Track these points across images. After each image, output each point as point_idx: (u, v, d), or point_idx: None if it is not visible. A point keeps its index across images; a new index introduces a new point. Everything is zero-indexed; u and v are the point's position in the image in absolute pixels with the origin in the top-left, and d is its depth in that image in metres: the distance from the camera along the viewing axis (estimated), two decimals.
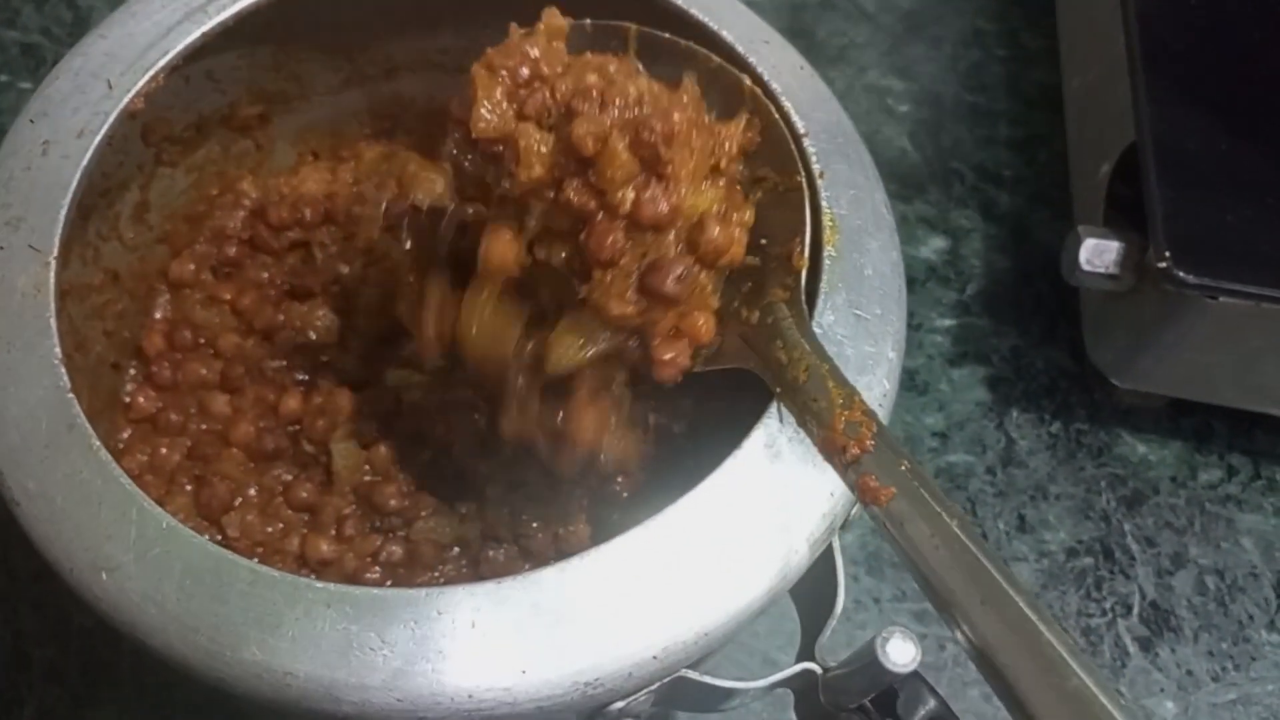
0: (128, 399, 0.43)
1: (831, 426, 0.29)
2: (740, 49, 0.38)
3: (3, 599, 0.45)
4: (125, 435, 0.43)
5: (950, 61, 0.64)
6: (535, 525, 0.42)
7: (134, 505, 0.29)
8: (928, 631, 0.47)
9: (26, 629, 0.45)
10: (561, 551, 0.43)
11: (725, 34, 0.38)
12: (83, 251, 0.39)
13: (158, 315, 0.44)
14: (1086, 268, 0.47)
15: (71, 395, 0.30)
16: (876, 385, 0.33)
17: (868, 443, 0.29)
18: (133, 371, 0.44)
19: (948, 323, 0.55)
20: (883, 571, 0.49)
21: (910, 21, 0.65)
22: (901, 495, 0.28)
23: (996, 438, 0.53)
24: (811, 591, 0.34)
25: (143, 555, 0.28)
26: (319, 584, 0.28)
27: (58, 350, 0.30)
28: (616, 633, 0.29)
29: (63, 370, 0.30)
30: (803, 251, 0.32)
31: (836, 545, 0.33)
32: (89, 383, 0.40)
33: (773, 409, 0.32)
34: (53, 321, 0.30)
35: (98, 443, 0.29)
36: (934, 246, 0.57)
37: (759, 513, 0.31)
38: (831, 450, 0.30)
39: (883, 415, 0.33)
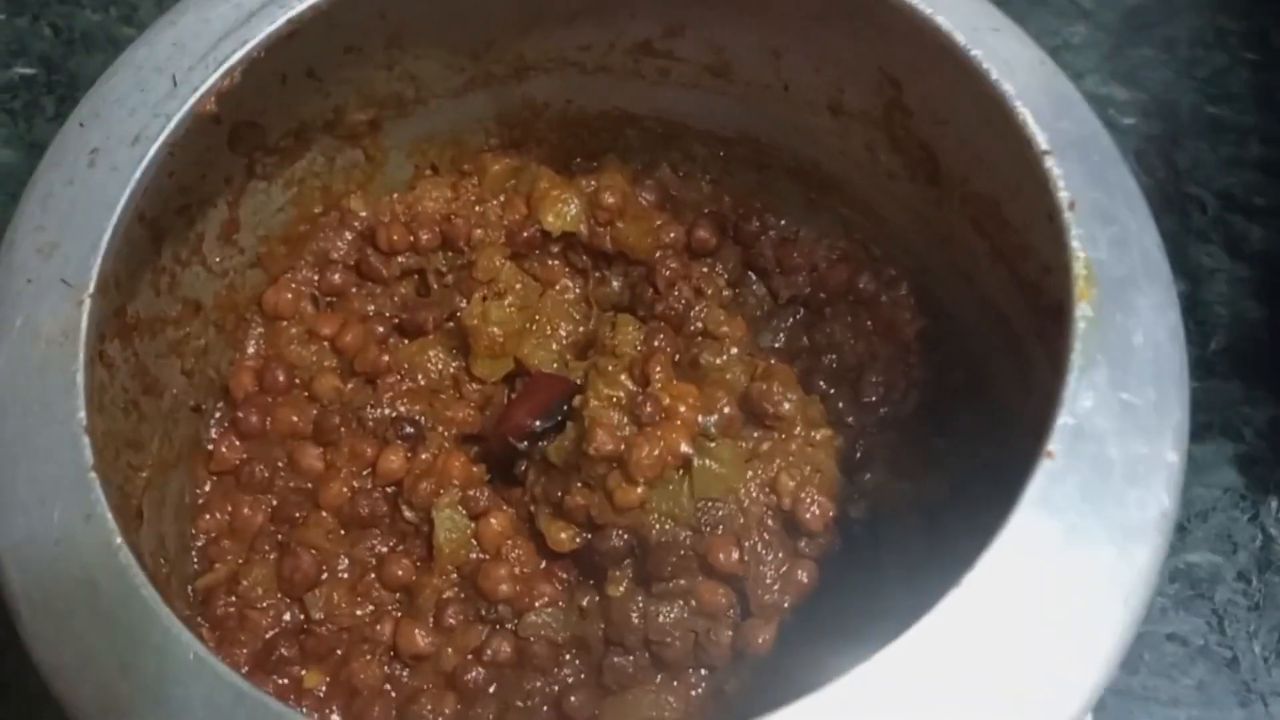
0: (210, 446, 0.38)
1: None
2: (960, 38, 0.30)
3: None
4: (205, 489, 0.38)
5: (1186, 66, 0.54)
6: (673, 629, 0.34)
7: (158, 627, 0.22)
8: None
9: None
10: (701, 663, 0.35)
11: (940, 19, 0.30)
12: (155, 279, 0.33)
13: (248, 351, 0.40)
14: None
15: (94, 475, 0.24)
16: (1152, 501, 0.24)
17: None
18: (217, 415, 0.39)
19: None
20: (1102, 701, 0.39)
21: (1136, 20, 0.56)
22: None
23: (1251, 533, 0.43)
24: None
25: (162, 696, 0.21)
26: None
27: (82, 415, 0.24)
28: None
29: (86, 442, 0.24)
30: None
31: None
32: (160, 430, 0.35)
33: (1009, 531, 0.23)
34: (79, 377, 0.25)
35: (119, 540, 0.23)
36: None
37: (987, 685, 0.22)
38: None
39: (1161, 546, 0.24)
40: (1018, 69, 0.29)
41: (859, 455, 0.38)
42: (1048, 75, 0.29)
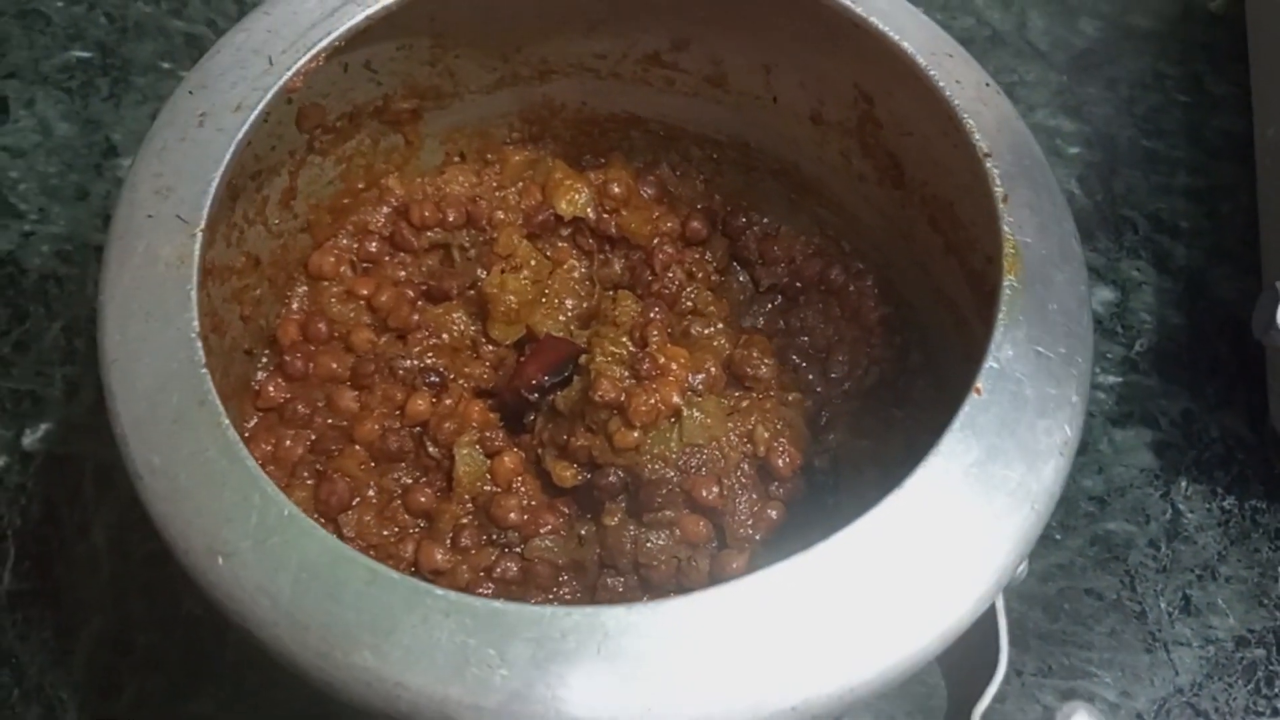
0: (257, 386, 0.42)
1: None
2: (921, 61, 0.36)
3: (114, 582, 0.45)
4: (251, 423, 0.42)
5: (1126, 104, 0.60)
6: (659, 555, 0.39)
7: (257, 490, 0.27)
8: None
9: (133, 614, 0.44)
10: (683, 586, 0.40)
11: (905, 44, 0.36)
12: (228, 232, 0.38)
13: (294, 305, 0.44)
14: None
15: (205, 371, 0.29)
16: (1057, 430, 0.30)
17: None
18: (264, 359, 0.43)
19: (1113, 379, 0.51)
20: (1026, 643, 0.45)
21: (1084, 61, 0.61)
22: None
23: (1162, 508, 0.48)
24: (964, 654, 0.31)
25: (261, 543, 0.27)
26: (439, 591, 0.26)
27: (195, 324, 0.29)
28: (753, 675, 0.26)
29: (199, 345, 0.29)
30: None
31: (1000, 604, 0.30)
32: (221, 365, 0.39)
33: (940, 449, 0.29)
34: (193, 295, 0.30)
35: (226, 422, 0.28)
36: (1101, 298, 0.53)
37: (920, 560, 0.28)
38: None
39: (1063, 465, 0.29)
40: (967, 87, 0.35)
41: (824, 420, 0.43)
42: (990, 94, 0.35)
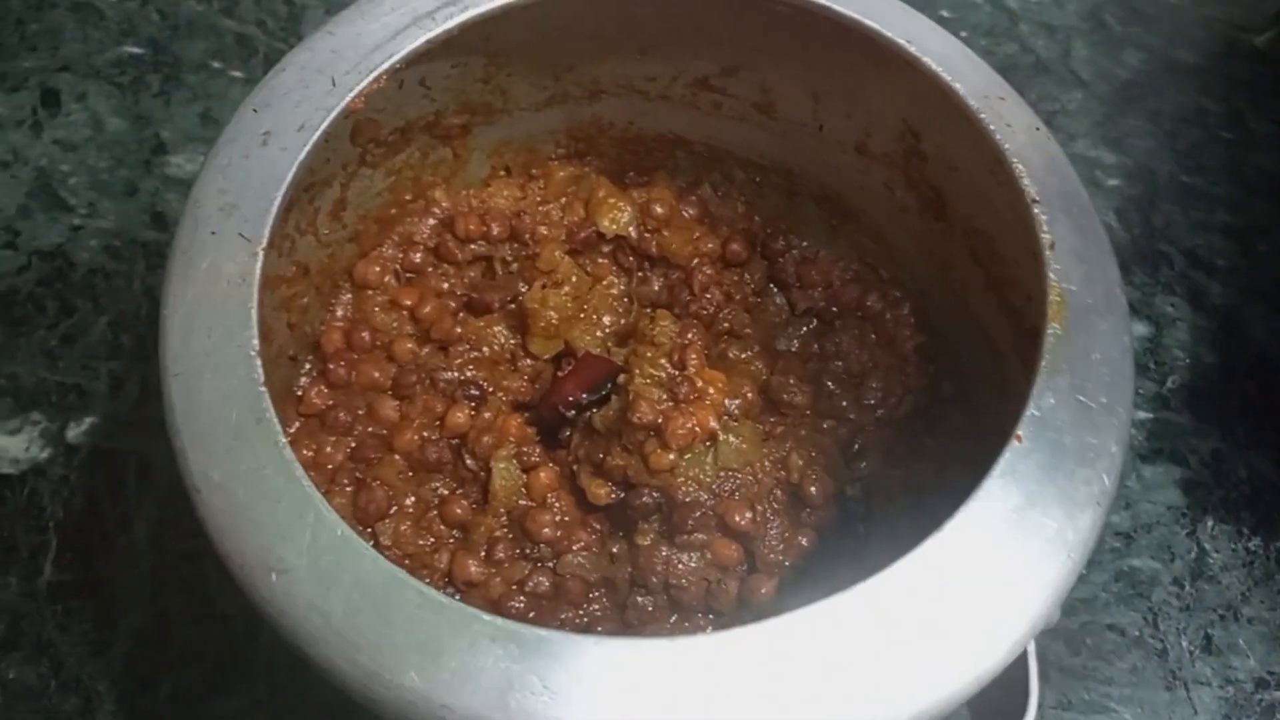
0: (300, 392, 0.43)
1: None
2: (973, 103, 0.36)
3: (153, 577, 0.46)
4: (294, 428, 0.43)
5: (1168, 138, 0.60)
6: (690, 576, 0.40)
7: (312, 509, 0.28)
8: None
9: (171, 609, 0.45)
10: (711, 607, 0.41)
11: (958, 86, 0.36)
12: (280, 243, 0.39)
13: (339, 313, 0.44)
14: None
15: (263, 389, 0.29)
16: (1095, 480, 0.30)
17: None
18: (308, 366, 0.44)
19: (1143, 415, 0.51)
20: (1048, 675, 0.45)
21: (1127, 92, 0.61)
22: None
23: (1187, 546, 0.49)
24: (994, 695, 0.31)
25: (315, 562, 0.27)
26: (486, 616, 0.27)
27: (255, 342, 0.30)
28: (790, 714, 0.27)
29: (258, 363, 0.30)
30: None
31: (1032, 649, 0.30)
32: (266, 372, 0.40)
33: (980, 494, 0.29)
34: (254, 312, 0.30)
35: (283, 440, 0.29)
36: (1136, 332, 0.54)
37: (957, 604, 0.28)
38: None
39: (1100, 516, 0.30)
40: (1017, 131, 0.35)
41: (857, 447, 0.44)
42: (1041, 139, 0.35)
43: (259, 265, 0.31)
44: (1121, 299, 0.33)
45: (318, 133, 0.33)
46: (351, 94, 0.34)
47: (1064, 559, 0.29)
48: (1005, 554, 0.29)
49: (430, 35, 0.35)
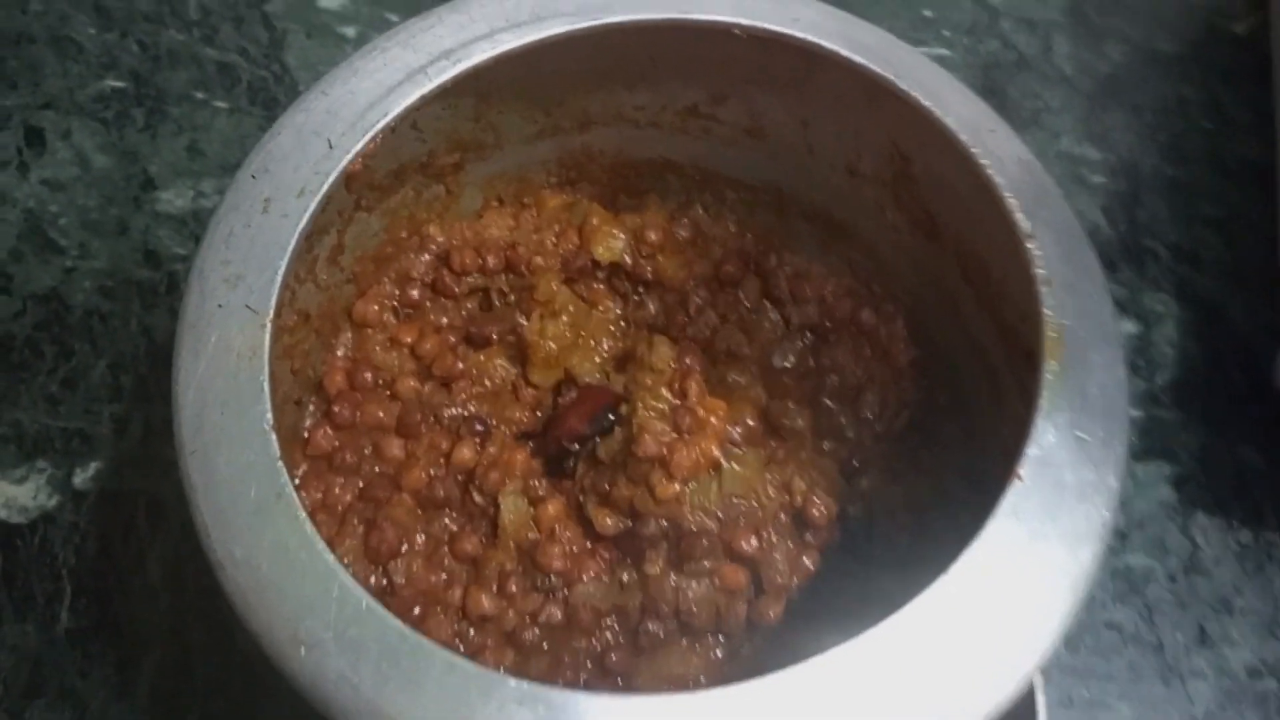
0: (306, 434, 0.43)
1: None
2: (963, 137, 0.36)
3: (172, 613, 0.46)
4: (301, 470, 0.43)
5: (1150, 130, 0.60)
6: (699, 602, 0.41)
7: (336, 581, 0.29)
8: None
9: (193, 643, 0.46)
10: (720, 628, 0.42)
11: (948, 120, 0.37)
12: (284, 302, 0.39)
13: (340, 353, 0.45)
14: None
15: (281, 464, 0.30)
16: (1095, 515, 0.31)
17: None
18: (311, 408, 0.44)
19: (1134, 414, 0.52)
20: (1049, 675, 0.47)
21: (1109, 86, 0.62)
22: None
23: (1180, 541, 0.50)
24: None
25: (341, 634, 0.28)
26: (513, 681, 0.28)
27: (269, 416, 0.30)
28: None
29: (273, 437, 0.30)
30: None
31: (1039, 682, 0.31)
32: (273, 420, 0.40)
33: (985, 535, 0.30)
34: (265, 386, 0.31)
35: (304, 515, 0.29)
36: (1124, 330, 0.54)
37: (964, 643, 0.29)
38: None
39: (1101, 549, 0.31)
40: (1008, 164, 0.36)
41: (856, 464, 0.45)
42: (1033, 171, 0.36)
43: (268, 338, 0.31)
44: (1116, 330, 0.34)
45: (318, 197, 0.33)
46: (349, 156, 0.34)
47: (1067, 593, 0.30)
48: (1010, 593, 0.30)
49: (424, 91, 0.36)
